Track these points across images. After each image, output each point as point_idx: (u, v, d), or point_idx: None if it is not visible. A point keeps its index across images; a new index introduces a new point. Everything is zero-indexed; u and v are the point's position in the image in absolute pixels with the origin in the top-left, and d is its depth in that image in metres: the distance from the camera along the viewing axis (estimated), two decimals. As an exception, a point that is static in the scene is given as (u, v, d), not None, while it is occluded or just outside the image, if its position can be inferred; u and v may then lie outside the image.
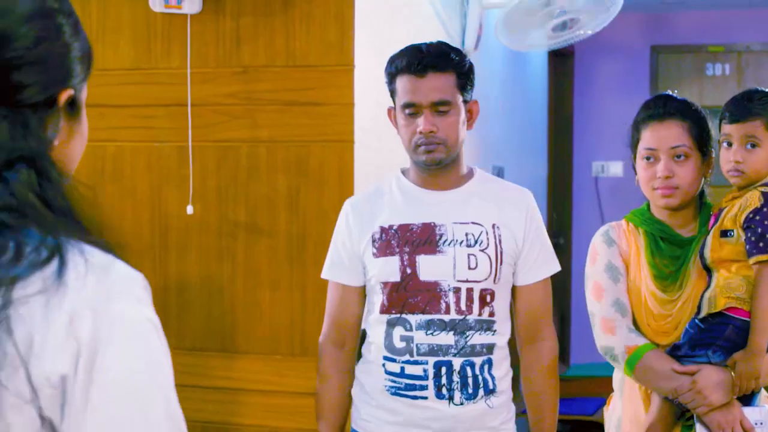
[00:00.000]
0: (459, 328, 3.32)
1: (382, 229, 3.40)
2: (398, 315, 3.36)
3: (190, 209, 4.45)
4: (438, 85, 3.31)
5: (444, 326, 3.32)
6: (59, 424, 1.40)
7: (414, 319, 3.33)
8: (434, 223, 3.36)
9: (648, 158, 3.42)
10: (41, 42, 1.52)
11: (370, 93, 4.41)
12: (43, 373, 1.38)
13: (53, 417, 1.39)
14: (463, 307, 3.32)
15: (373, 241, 3.40)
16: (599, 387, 6.54)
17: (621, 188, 9.45)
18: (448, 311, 3.32)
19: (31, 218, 1.44)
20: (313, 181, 4.36)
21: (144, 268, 4.80)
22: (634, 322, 3.45)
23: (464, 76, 3.35)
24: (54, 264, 1.41)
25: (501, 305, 3.39)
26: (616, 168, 9.64)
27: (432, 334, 3.32)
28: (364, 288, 3.50)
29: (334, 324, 3.54)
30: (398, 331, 3.37)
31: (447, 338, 3.32)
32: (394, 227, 3.39)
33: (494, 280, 3.34)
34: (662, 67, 9.82)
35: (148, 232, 4.57)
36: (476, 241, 3.34)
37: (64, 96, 1.58)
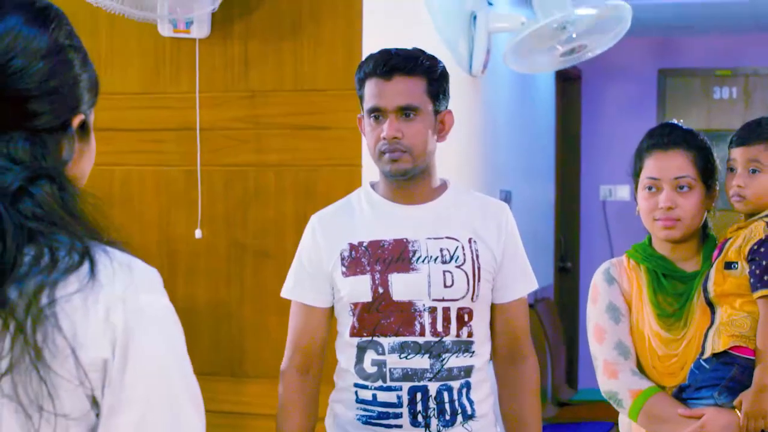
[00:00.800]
0: (435, 350, 3.12)
1: (352, 246, 3.20)
2: (369, 338, 3.16)
3: (198, 233, 4.46)
4: (404, 88, 3.13)
5: (419, 349, 3.12)
6: (101, 402, 1.63)
7: (387, 341, 3.13)
8: (407, 239, 3.18)
9: (650, 188, 3.32)
10: (54, 76, 1.74)
11: (378, 117, 4.41)
12: (88, 358, 1.61)
13: (98, 396, 1.63)
14: (439, 327, 3.13)
15: (342, 259, 3.20)
16: (607, 411, 6.53)
17: (629, 212, 9.37)
18: (423, 333, 3.12)
19: (59, 226, 1.65)
20: (321, 206, 4.32)
21: (152, 292, 4.74)
22: (639, 364, 3.32)
23: (435, 82, 3.18)
24: (86, 265, 1.64)
25: (480, 324, 3.22)
26: (623, 192, 9.63)
27: (406, 357, 3.12)
28: (331, 309, 3.30)
29: (297, 348, 3.33)
30: (370, 355, 3.16)
31: (422, 362, 3.12)
32: (365, 244, 3.19)
33: (472, 298, 3.16)
34: (670, 91, 9.83)
35: (156, 256, 4.58)
36: (452, 257, 3.16)
37: (76, 121, 1.80)
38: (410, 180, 3.19)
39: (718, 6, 8.20)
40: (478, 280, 3.18)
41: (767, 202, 3.24)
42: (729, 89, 9.68)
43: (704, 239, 3.39)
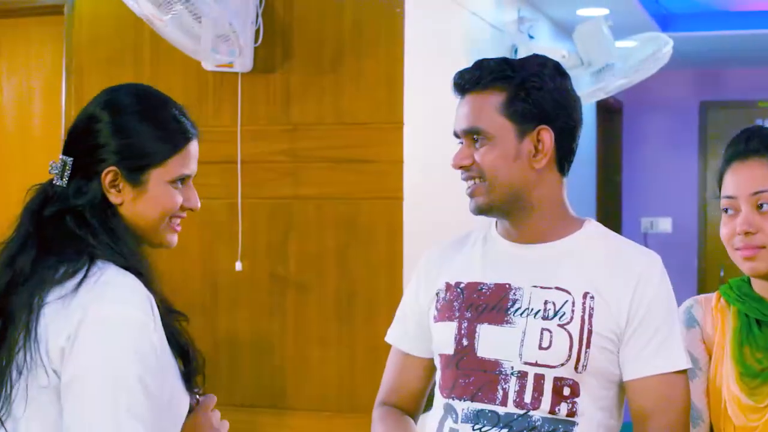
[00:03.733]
0: (517, 426, 2.47)
1: (448, 287, 2.64)
2: (448, 399, 2.57)
3: (239, 265, 4.47)
4: (472, 108, 2.56)
5: (496, 421, 2.48)
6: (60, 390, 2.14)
7: (461, 407, 2.53)
8: (510, 284, 2.56)
9: (726, 210, 2.59)
10: (78, 141, 2.30)
11: (420, 150, 4.42)
12: (55, 346, 2.12)
13: (59, 373, 2.13)
14: (526, 398, 2.47)
15: (437, 300, 2.66)
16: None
17: (671, 245, 9.39)
18: (504, 402, 2.48)
19: (73, 246, 2.22)
20: (362, 239, 4.37)
21: (194, 324, 4.81)
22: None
23: (522, 95, 2.53)
24: (78, 278, 2.15)
25: (591, 404, 2.50)
26: (665, 224, 9.60)
27: (480, 430, 2.50)
28: (432, 361, 2.71)
29: (390, 392, 2.80)
30: (448, 423, 2.56)
31: None
32: (462, 285, 2.62)
33: (576, 368, 2.47)
34: (711, 123, 9.80)
35: (199, 288, 4.60)
36: (556, 313, 2.50)
37: (105, 174, 2.26)
38: (509, 217, 2.61)
39: (759, 37, 8.18)
40: (587, 347, 2.48)
41: None
42: (772, 121, 9.64)
43: None
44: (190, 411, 2.36)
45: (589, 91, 5.69)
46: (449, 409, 2.55)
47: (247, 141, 4.51)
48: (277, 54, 4.49)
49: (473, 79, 2.56)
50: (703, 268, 9.35)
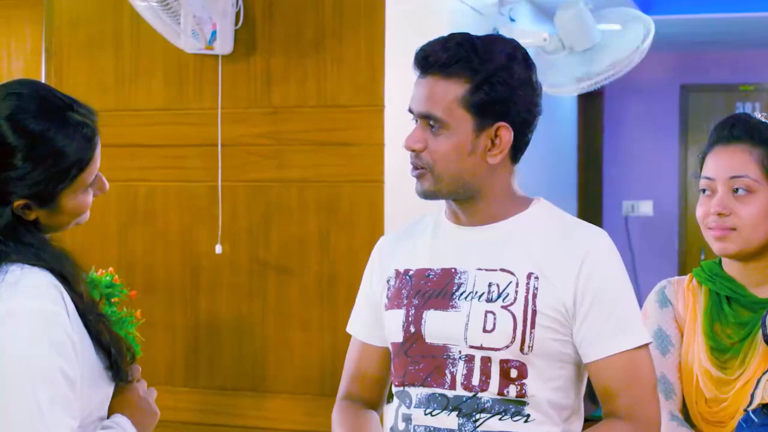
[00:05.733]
0: (466, 408, 2.45)
1: (397, 274, 2.61)
2: (401, 387, 2.55)
3: (218, 248, 4.46)
4: (432, 92, 2.46)
5: (446, 404, 2.47)
6: None
7: (414, 393, 2.51)
8: (456, 269, 2.52)
9: (704, 190, 2.72)
10: None
11: (401, 133, 4.38)
12: None
13: None
14: (474, 381, 2.45)
15: (388, 288, 2.63)
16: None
17: (651, 227, 9.42)
18: (453, 386, 2.46)
19: None
20: (343, 222, 4.37)
21: (175, 307, 4.83)
22: (685, 408, 2.72)
23: (486, 89, 2.44)
24: None
25: (543, 385, 2.47)
26: (646, 207, 9.62)
27: (431, 414, 2.48)
28: (388, 350, 2.68)
29: (351, 382, 2.77)
30: (401, 409, 2.55)
31: (448, 420, 2.46)
32: (411, 272, 2.58)
33: (522, 349, 2.43)
34: (692, 106, 9.82)
35: (179, 272, 4.59)
36: (500, 295, 2.46)
37: (17, 204, 2.23)
38: (456, 202, 2.56)
39: (741, 21, 8.19)
40: (532, 327, 2.43)
41: (760, 236, 2.68)
42: (752, 104, 9.66)
43: None
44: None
45: (574, 83, 5.68)
46: (403, 396, 2.54)
47: (228, 124, 4.50)
48: (257, 36, 4.48)
49: (437, 62, 2.47)
50: (684, 250, 9.38)
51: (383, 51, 4.31)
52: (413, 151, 2.51)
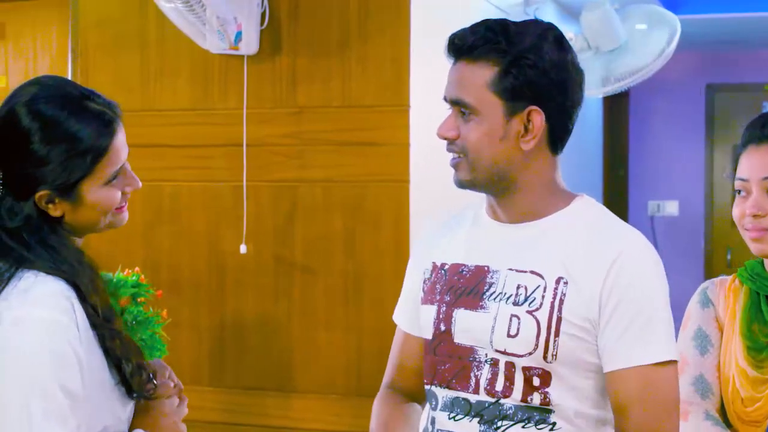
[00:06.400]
0: (488, 414, 2.37)
1: (434, 267, 2.55)
2: (429, 386, 2.49)
3: (243, 248, 4.47)
4: (462, 78, 2.40)
5: (468, 409, 2.40)
6: None
7: (441, 394, 2.45)
8: (488, 267, 2.43)
9: (739, 191, 2.68)
10: (7, 157, 2.24)
11: (426, 133, 4.41)
12: None
13: None
14: (497, 386, 2.36)
15: (424, 281, 2.57)
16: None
17: (677, 227, 9.38)
18: (476, 390, 2.39)
19: (6, 259, 2.21)
20: (368, 221, 4.37)
21: (200, 307, 4.82)
22: (722, 407, 2.68)
23: (514, 72, 2.35)
24: (1, 286, 2.16)
25: (567, 393, 2.36)
26: (672, 207, 9.58)
27: (454, 419, 2.42)
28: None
29: (393, 372, 2.70)
30: (429, 411, 2.50)
31: (470, 427, 2.39)
32: (446, 266, 2.51)
33: (545, 357, 2.33)
34: (718, 106, 9.78)
35: (205, 272, 4.60)
36: (526, 299, 2.36)
37: (38, 197, 2.23)
38: (493, 195, 2.48)
39: (767, 20, 8.15)
40: (556, 335, 2.33)
41: None
42: (779, 104, 9.62)
43: None
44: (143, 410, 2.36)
45: (600, 84, 5.66)
46: (430, 396, 2.48)
47: (253, 124, 4.50)
48: (283, 37, 4.48)
49: (465, 46, 2.39)
50: (709, 251, 9.34)
51: (408, 51, 4.30)
52: (446, 139, 2.42)
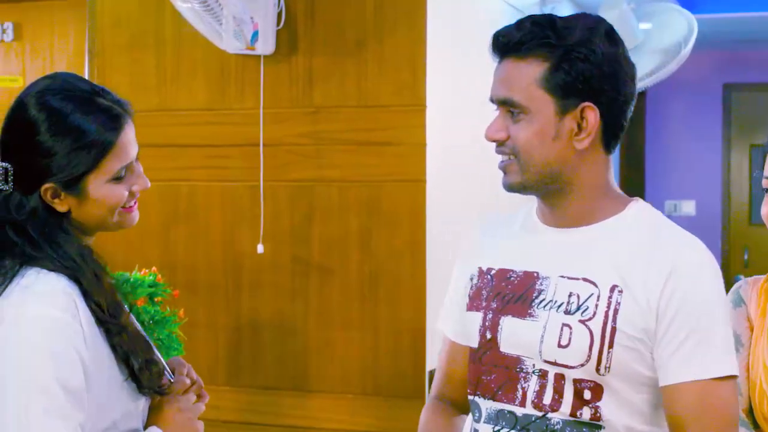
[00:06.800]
0: (534, 429, 2.25)
1: (480, 272, 2.40)
2: (473, 396, 2.36)
3: (260, 248, 4.47)
4: (509, 76, 2.25)
5: (514, 423, 2.27)
6: None
7: (484, 405, 2.32)
8: (538, 273, 2.30)
9: (766, 190, 2.60)
10: (15, 150, 2.25)
11: (442, 133, 4.41)
12: None
13: None
14: (545, 399, 2.23)
15: (470, 286, 2.42)
16: None
17: (694, 227, 9.29)
18: (523, 402, 2.25)
19: (10, 255, 2.21)
20: (384, 221, 4.37)
21: (217, 307, 4.83)
22: (751, 409, 2.59)
23: (566, 67, 2.21)
24: (3, 283, 2.16)
25: (620, 409, 2.22)
26: (689, 207, 9.55)
27: None
28: None
29: (441, 382, 2.56)
30: (470, 421, 2.39)
31: None
32: (493, 271, 2.37)
33: (597, 369, 2.19)
34: (735, 105, 9.74)
35: (221, 271, 4.60)
36: (579, 307, 2.23)
37: (44, 190, 2.22)
38: (544, 198, 2.34)
39: (784, 19, 8.13)
40: (610, 346, 2.19)
41: None
42: (796, 103, 9.59)
43: None
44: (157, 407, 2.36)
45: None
46: (474, 407, 2.34)
47: (270, 124, 4.51)
48: (299, 37, 4.48)
49: (512, 43, 2.23)
50: (726, 251, 9.31)
51: (424, 51, 4.30)
52: (494, 141, 2.27)
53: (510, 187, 2.29)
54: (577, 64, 2.19)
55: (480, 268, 2.39)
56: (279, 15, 4.45)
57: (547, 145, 2.23)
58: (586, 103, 2.20)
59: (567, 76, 2.19)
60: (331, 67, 4.44)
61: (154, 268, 3.85)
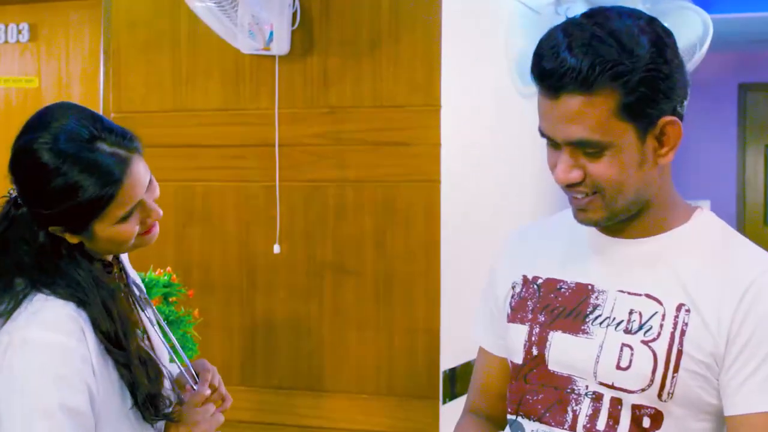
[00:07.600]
0: None
1: (525, 281, 2.25)
2: (514, 416, 2.21)
3: (276, 248, 4.48)
4: (579, 115, 1.98)
5: None
6: None
7: (529, 427, 2.16)
8: (593, 286, 2.13)
9: None
10: (26, 189, 2.26)
11: (457, 133, 4.41)
12: None
13: None
14: (599, 425, 2.06)
15: (512, 296, 2.27)
16: None
17: (709, 228, 9.33)
18: (573, 426, 2.09)
19: (23, 278, 2.22)
20: (400, 222, 4.36)
21: (232, 307, 4.84)
22: None
23: (645, 91, 1.98)
24: (12, 307, 2.16)
25: None
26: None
27: None
28: None
29: (476, 394, 2.45)
30: None
31: None
32: (539, 281, 2.22)
33: (660, 395, 2.02)
34: (750, 106, 9.73)
35: (236, 272, 4.61)
36: (641, 326, 2.05)
37: (52, 229, 2.24)
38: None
39: (800, 19, 8.11)
40: (675, 371, 2.02)
41: None
42: (811, 104, 9.57)
43: None
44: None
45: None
46: (515, 428, 2.19)
47: (285, 124, 4.51)
48: (314, 37, 4.49)
49: (577, 77, 1.96)
50: (741, 252, 9.31)
51: (440, 51, 4.30)
52: (570, 183, 2.06)
53: (593, 224, 2.12)
54: (653, 82, 1.99)
55: (525, 276, 2.25)
56: (294, 15, 4.45)
57: (635, 173, 2.05)
58: (667, 119, 2.05)
59: (645, 97, 1.99)
60: (346, 67, 4.44)
61: (168, 269, 3.86)
